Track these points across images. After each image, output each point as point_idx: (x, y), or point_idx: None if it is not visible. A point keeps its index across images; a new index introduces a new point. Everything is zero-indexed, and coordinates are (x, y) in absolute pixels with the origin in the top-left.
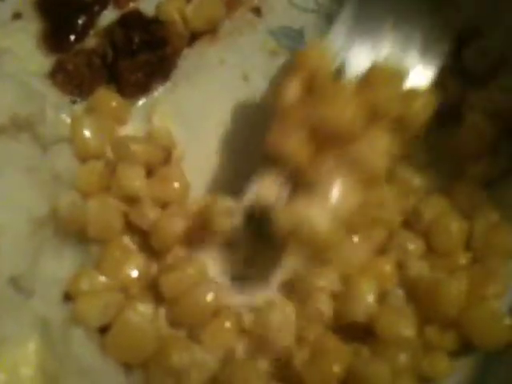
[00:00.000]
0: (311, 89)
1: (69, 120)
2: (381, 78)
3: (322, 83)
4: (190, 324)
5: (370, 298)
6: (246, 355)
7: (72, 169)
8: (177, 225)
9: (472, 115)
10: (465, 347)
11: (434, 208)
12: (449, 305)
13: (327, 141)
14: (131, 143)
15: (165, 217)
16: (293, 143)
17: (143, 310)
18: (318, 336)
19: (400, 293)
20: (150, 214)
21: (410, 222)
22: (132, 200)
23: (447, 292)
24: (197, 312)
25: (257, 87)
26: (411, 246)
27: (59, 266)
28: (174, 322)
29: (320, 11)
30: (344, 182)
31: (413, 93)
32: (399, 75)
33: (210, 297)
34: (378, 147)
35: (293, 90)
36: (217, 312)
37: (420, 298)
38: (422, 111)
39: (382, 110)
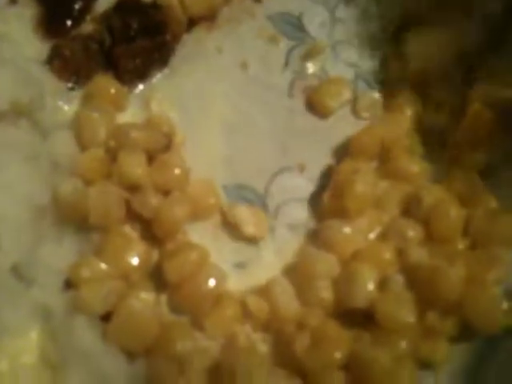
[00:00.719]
0: None
1: (67, 107)
2: None
3: None
4: (193, 310)
5: (370, 285)
6: (249, 341)
7: (72, 156)
8: (179, 212)
9: (473, 105)
10: (464, 333)
11: (434, 195)
12: (449, 290)
13: None
14: (131, 130)
15: (167, 204)
16: None
17: (145, 297)
18: (318, 322)
19: (400, 279)
20: (151, 201)
21: (410, 209)
22: (133, 187)
23: (447, 278)
24: (200, 298)
25: (255, 73)
26: (411, 233)
27: (60, 253)
28: (176, 309)
29: None
30: None
31: None
32: None
33: (212, 282)
34: None
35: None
36: (219, 298)
37: (420, 284)
38: None
39: None
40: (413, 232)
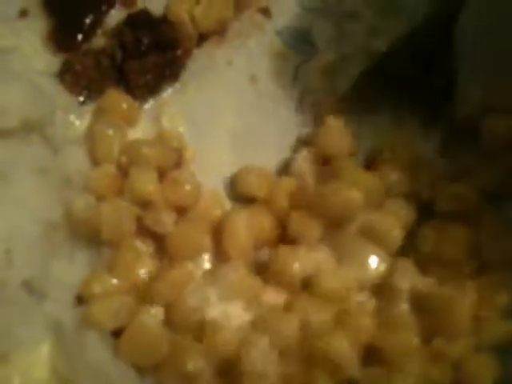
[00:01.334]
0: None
1: (78, 122)
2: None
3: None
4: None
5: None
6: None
7: (84, 171)
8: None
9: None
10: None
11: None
12: (461, 318)
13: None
14: (143, 146)
15: (187, 227)
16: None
17: (155, 312)
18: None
19: (405, 307)
20: (164, 218)
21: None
22: (145, 203)
23: (459, 306)
24: (188, 319)
25: (264, 88)
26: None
27: (71, 269)
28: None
29: (327, 11)
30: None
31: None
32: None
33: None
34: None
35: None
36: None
37: (428, 312)
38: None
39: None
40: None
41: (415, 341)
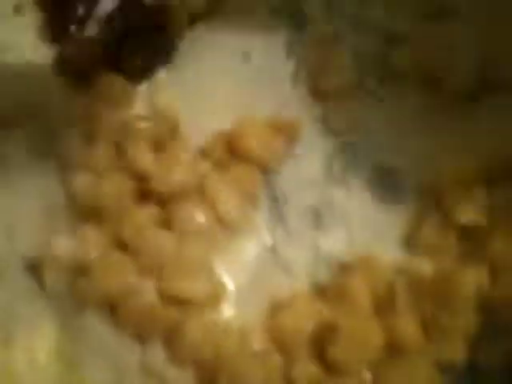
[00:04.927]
0: None
1: (74, 108)
2: None
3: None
4: None
5: None
6: None
7: (80, 151)
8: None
9: None
10: None
11: None
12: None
13: None
14: (138, 122)
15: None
16: None
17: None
18: None
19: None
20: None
21: None
22: (143, 176)
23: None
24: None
25: (258, 64)
26: None
27: (74, 247)
28: None
29: None
30: None
31: None
32: None
33: None
34: None
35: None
36: None
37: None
38: None
39: None
40: None
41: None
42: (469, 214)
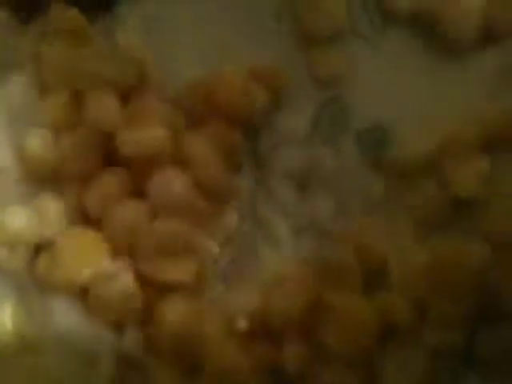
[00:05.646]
0: None
1: (20, 45)
2: None
3: None
4: None
5: None
6: None
7: (31, 103)
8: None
9: None
10: None
11: None
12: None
13: None
14: (97, 65)
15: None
16: None
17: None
18: None
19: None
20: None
21: None
22: (107, 131)
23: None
24: None
25: (237, 3)
26: None
27: (29, 216)
28: None
29: None
30: None
31: None
32: None
33: None
34: None
35: None
36: None
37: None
38: None
39: None
40: None
41: None
42: (467, 184)
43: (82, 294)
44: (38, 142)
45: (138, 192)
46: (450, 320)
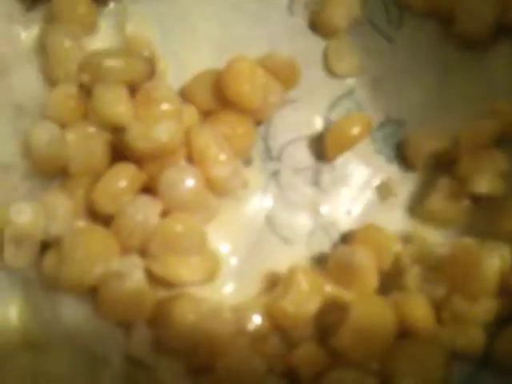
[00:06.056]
0: None
1: (24, 34)
2: None
3: None
4: None
5: None
6: None
7: (38, 95)
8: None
9: None
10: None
11: None
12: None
13: None
14: (107, 58)
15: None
16: None
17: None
18: None
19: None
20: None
21: None
22: (116, 126)
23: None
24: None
25: None
26: None
27: (35, 212)
28: None
29: None
30: None
31: None
32: None
33: None
34: None
35: None
36: None
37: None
38: None
39: None
40: None
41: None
42: (485, 182)
43: (91, 291)
44: (45, 137)
45: (148, 188)
46: (468, 321)
